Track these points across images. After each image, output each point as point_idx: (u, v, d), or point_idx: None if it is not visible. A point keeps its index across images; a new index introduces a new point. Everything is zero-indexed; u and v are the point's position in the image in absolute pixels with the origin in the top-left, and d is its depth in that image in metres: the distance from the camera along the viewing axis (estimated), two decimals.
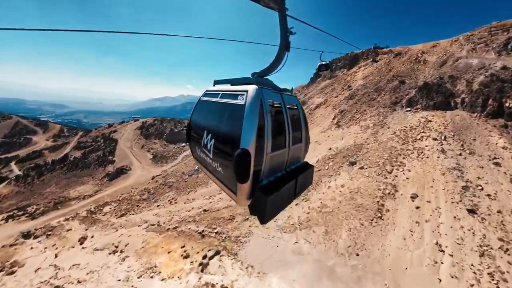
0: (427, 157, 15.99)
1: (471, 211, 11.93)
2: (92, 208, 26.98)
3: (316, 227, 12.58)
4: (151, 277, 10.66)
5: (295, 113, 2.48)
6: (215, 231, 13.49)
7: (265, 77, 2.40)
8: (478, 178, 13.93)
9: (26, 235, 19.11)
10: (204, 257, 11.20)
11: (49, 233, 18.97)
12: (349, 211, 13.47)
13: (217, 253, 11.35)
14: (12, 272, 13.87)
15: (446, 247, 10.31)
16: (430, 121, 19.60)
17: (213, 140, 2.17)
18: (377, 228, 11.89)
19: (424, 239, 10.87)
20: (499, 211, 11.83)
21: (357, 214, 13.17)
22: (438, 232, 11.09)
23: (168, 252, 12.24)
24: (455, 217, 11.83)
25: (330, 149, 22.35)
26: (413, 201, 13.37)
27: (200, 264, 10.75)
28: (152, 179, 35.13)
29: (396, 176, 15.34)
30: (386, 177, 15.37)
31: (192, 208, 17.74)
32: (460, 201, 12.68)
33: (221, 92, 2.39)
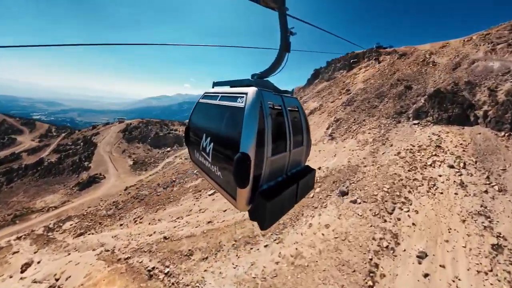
0: (441, 193, 12.03)
1: None
2: (51, 224, 24.51)
3: None
4: None
5: (296, 115, 2.39)
6: (166, 270, 11.59)
7: (265, 79, 2.33)
8: None
9: None
10: None
11: None
12: (329, 271, 9.76)
13: None
14: None
15: None
16: (444, 140, 15.53)
17: (212, 144, 2.14)
18: None
19: None
20: None
21: (339, 277, 9.44)
22: None
23: None
24: None
25: (319, 168, 18.49)
26: (420, 263, 9.49)
27: None
28: (125, 190, 31.89)
29: (399, 219, 11.43)
30: (385, 220, 11.49)
31: (154, 233, 15.91)
32: (491, 270, 8.76)
33: (220, 95, 2.35)
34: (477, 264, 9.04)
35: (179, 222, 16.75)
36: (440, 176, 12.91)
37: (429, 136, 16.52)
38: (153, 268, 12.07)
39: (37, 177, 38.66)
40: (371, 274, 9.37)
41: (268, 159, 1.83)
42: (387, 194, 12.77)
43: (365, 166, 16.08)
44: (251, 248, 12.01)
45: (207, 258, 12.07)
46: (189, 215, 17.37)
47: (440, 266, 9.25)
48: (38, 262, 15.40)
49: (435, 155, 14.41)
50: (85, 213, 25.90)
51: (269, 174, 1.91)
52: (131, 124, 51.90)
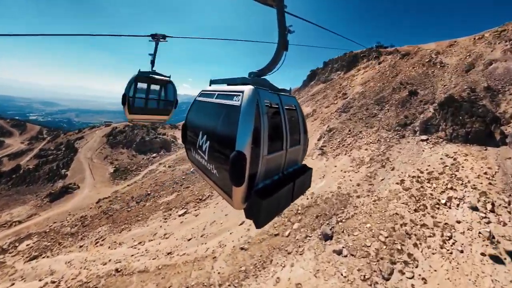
0: (461, 251, 8.50)
1: None
2: (7, 243, 22.19)
3: None
4: None
5: (293, 114, 2.39)
6: None
7: (262, 77, 2.32)
8: None
9: None
10: None
11: None
12: None
13: None
14: None
15: None
16: (463, 166, 11.88)
17: (208, 142, 2.13)
18: None
19: None
20: None
21: None
22: None
23: None
24: None
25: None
26: None
27: None
28: (97, 203, 29.19)
29: None
30: None
31: (109, 261, 14.69)
32: None
33: (217, 93, 2.34)
34: None
35: (138, 249, 15.62)
36: (458, 222, 9.33)
37: (441, 159, 12.89)
38: None
39: (10, 186, 35.97)
40: None
41: (264, 157, 1.83)
42: (384, 247, 9.28)
43: (358, 197, 12.59)
44: None
45: None
46: (152, 239, 16.34)
47: None
48: None
49: (451, 188, 10.80)
50: (47, 230, 23.88)
51: (265, 172, 1.91)
52: (116, 128, 48.92)
